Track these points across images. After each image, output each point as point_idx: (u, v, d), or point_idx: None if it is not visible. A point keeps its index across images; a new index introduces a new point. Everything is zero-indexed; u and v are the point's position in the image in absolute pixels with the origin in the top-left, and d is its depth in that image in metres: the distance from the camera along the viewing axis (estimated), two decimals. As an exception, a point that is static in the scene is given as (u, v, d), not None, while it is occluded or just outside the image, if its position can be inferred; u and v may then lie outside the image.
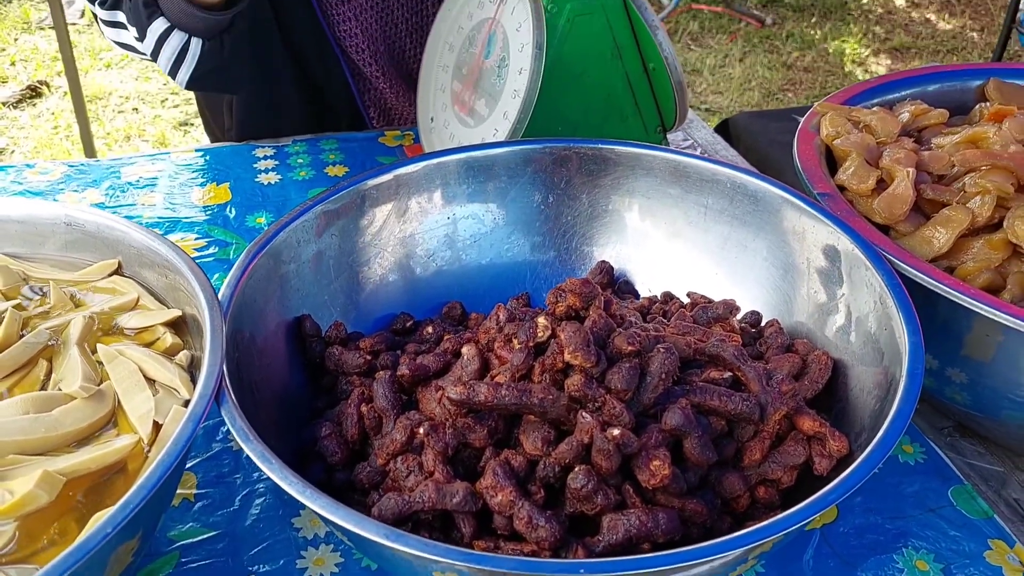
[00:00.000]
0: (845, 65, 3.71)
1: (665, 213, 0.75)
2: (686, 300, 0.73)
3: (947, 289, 0.57)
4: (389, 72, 1.16)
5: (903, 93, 0.88)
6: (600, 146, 0.75)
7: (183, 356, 0.56)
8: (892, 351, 0.55)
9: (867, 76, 3.64)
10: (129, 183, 1.00)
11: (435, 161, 0.73)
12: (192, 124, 3.00)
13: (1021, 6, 2.56)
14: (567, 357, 0.50)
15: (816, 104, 0.79)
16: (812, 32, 3.97)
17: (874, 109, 0.81)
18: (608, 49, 0.92)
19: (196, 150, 1.07)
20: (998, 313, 0.55)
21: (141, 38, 0.97)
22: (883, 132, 0.75)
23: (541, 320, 0.55)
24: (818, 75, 3.62)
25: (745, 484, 0.53)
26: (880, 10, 4.23)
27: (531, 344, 0.54)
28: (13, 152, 2.82)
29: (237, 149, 1.07)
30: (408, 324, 0.70)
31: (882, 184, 0.70)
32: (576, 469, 0.48)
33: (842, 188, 0.71)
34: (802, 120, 0.79)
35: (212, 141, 1.29)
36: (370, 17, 1.12)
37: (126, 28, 0.99)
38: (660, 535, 0.47)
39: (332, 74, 1.13)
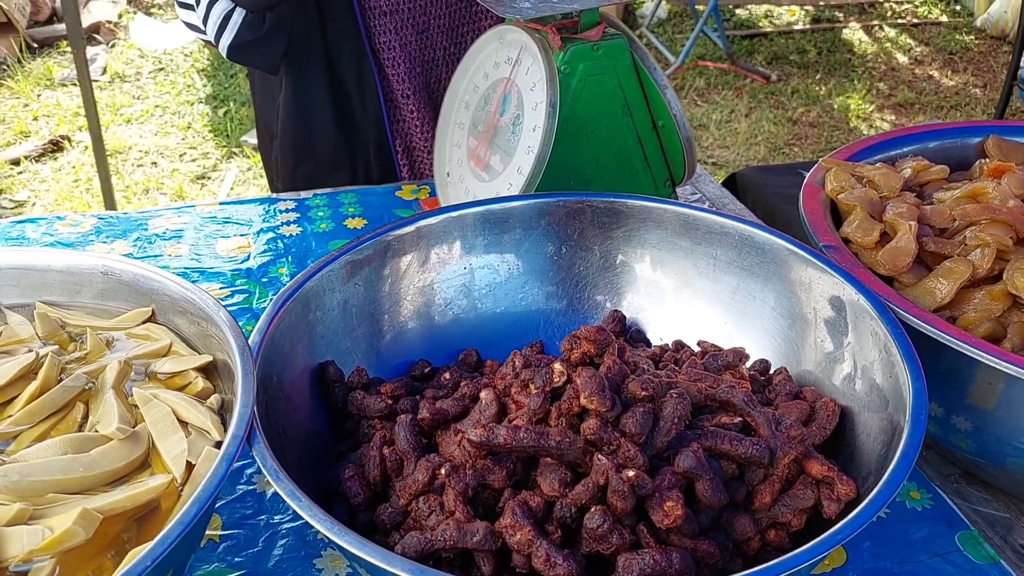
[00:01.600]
0: (850, 120, 3.77)
1: (675, 264, 0.78)
2: (697, 348, 0.75)
3: (950, 339, 0.59)
4: (420, 96, 1.19)
5: (905, 149, 0.91)
6: (612, 200, 0.78)
7: (214, 399, 0.58)
8: (896, 398, 0.57)
9: (872, 131, 3.70)
10: (156, 235, 1.03)
11: (455, 214, 0.76)
12: (209, 177, 3.07)
13: (1022, 63, 2.61)
14: (583, 401, 0.52)
15: (821, 160, 0.82)
16: (817, 88, 4.04)
17: (877, 165, 0.84)
18: (619, 107, 0.96)
19: (220, 203, 1.11)
20: (999, 362, 0.57)
21: (196, 5, 1.07)
22: (886, 187, 0.78)
23: (557, 366, 0.57)
24: (823, 130, 3.68)
25: (756, 526, 0.54)
26: (884, 67, 4.31)
27: (548, 389, 0.56)
28: (35, 204, 2.89)
29: (260, 202, 1.11)
30: (426, 370, 0.73)
31: (885, 237, 0.72)
32: (592, 509, 0.50)
33: (847, 241, 0.73)
34: (808, 175, 0.82)
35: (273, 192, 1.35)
36: (410, 34, 1.16)
37: (192, 8, 1.08)
38: (674, 574, 0.48)
39: (365, 85, 1.17)
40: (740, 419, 0.57)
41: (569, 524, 0.51)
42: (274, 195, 1.14)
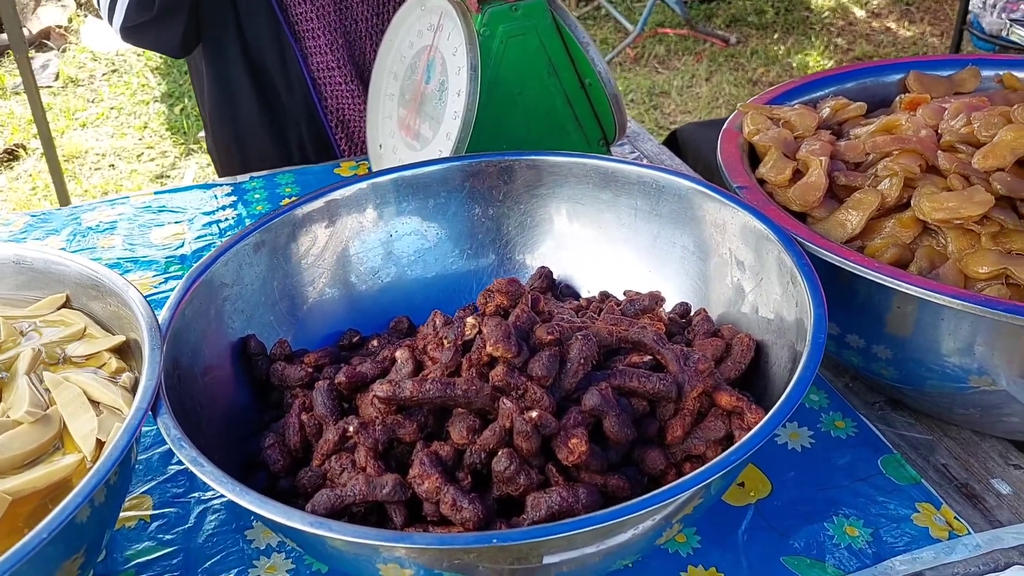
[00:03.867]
0: (809, 77, 3.78)
1: (598, 217, 0.78)
2: (623, 298, 0.75)
3: (854, 266, 0.60)
4: (346, 68, 1.17)
5: (828, 90, 0.92)
6: (533, 157, 0.78)
7: (126, 378, 0.58)
8: (802, 327, 0.58)
9: (831, 87, 3.71)
10: (89, 228, 1.03)
11: (368, 183, 0.76)
12: (168, 176, 3.04)
13: (971, 7, 2.62)
14: (489, 349, 0.53)
15: (740, 105, 0.83)
16: (776, 48, 4.05)
17: (795, 106, 0.84)
18: (543, 68, 0.96)
19: (155, 192, 1.10)
20: (901, 284, 0.58)
21: None
22: (801, 127, 0.79)
23: (470, 320, 0.57)
24: (783, 89, 3.68)
25: (667, 459, 0.55)
26: (841, 22, 4.32)
27: (460, 342, 0.57)
28: (-7, 215, 2.86)
29: (197, 188, 1.10)
30: (355, 340, 0.73)
31: (799, 175, 0.73)
32: (500, 452, 0.50)
33: (762, 182, 0.74)
34: (728, 120, 0.83)
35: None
36: (327, 5, 1.14)
37: None
38: (581, 510, 0.49)
39: (286, 61, 1.15)
40: (650, 357, 0.58)
41: (480, 470, 0.52)
42: (211, 181, 1.13)
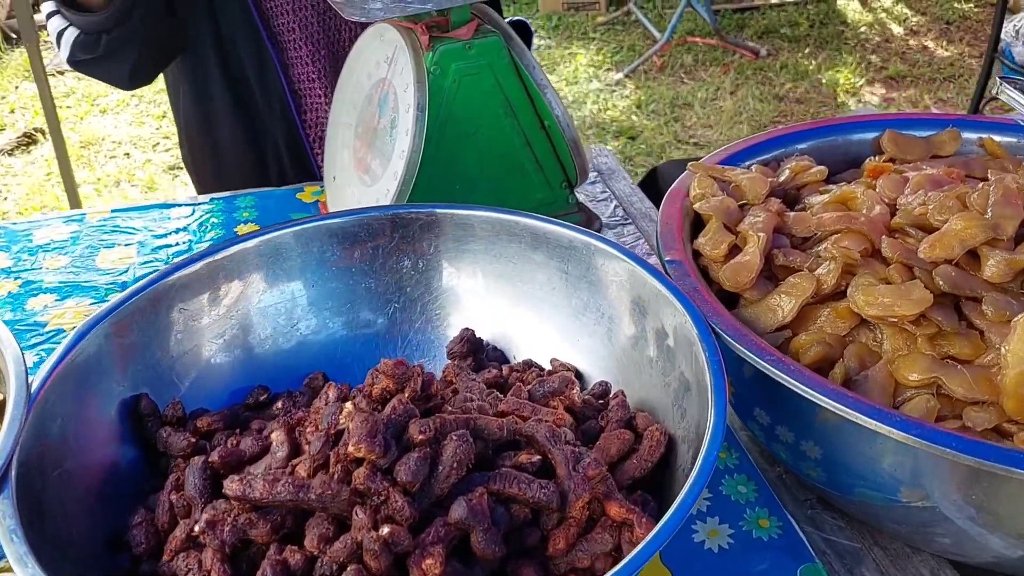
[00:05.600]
0: (838, 95, 3.69)
1: (530, 278, 0.74)
2: (548, 367, 0.72)
3: (768, 368, 0.56)
4: (328, 81, 1.14)
5: (799, 146, 0.87)
6: (466, 212, 0.75)
7: (-9, 444, 0.55)
8: (704, 433, 0.54)
9: (860, 106, 3.62)
10: (39, 246, 1.01)
11: (290, 231, 0.72)
12: (181, 167, 3.04)
13: (1003, 35, 2.53)
14: (351, 449, 0.49)
15: (690, 164, 0.78)
16: (806, 62, 3.96)
17: (751, 167, 0.79)
18: (500, 107, 0.92)
19: (112, 211, 1.08)
20: (813, 394, 0.54)
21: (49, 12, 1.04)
22: (751, 193, 0.74)
23: (347, 406, 0.54)
24: (810, 106, 3.60)
25: (544, 574, 0.51)
26: (877, 39, 4.21)
27: (332, 431, 0.53)
28: (6, 199, 2.88)
29: (155, 208, 1.08)
30: (262, 398, 0.70)
31: (737, 250, 0.68)
32: (349, 569, 0.47)
33: (699, 255, 0.70)
34: (677, 180, 0.78)
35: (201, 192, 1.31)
36: (310, 15, 1.11)
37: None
38: (430, 636, 0.45)
39: (265, 72, 1.12)
40: (539, 457, 0.54)
41: (332, 581, 0.49)
42: (170, 201, 1.11)
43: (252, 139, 1.19)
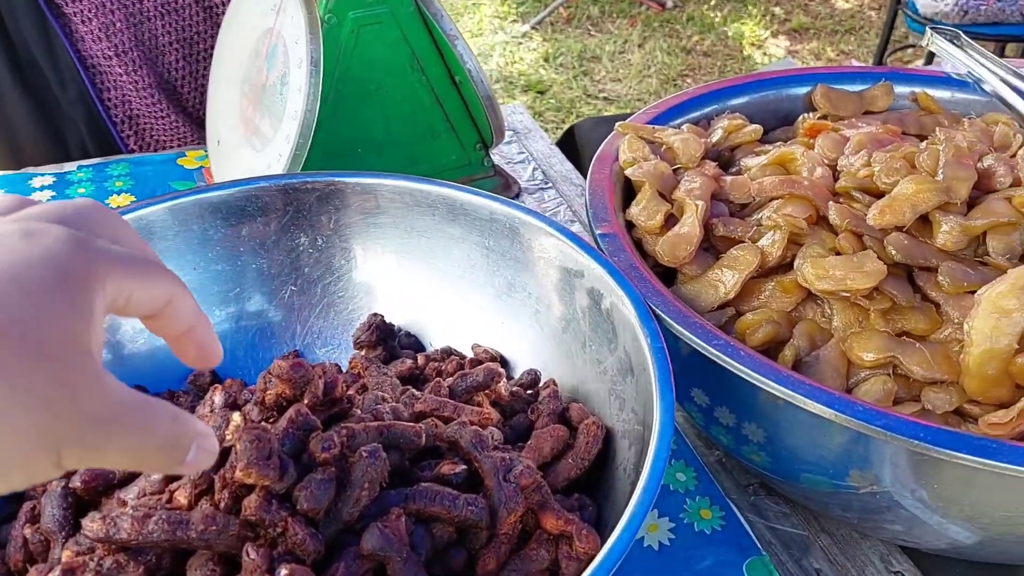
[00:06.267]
0: (744, 48, 3.69)
1: (447, 255, 0.66)
2: (470, 354, 0.65)
3: (713, 353, 0.50)
4: (129, 55, 1.00)
5: (728, 103, 0.81)
6: (371, 180, 0.66)
7: None
8: (648, 428, 0.48)
9: (765, 59, 3.63)
10: None
11: (164, 206, 0.63)
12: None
13: (905, -13, 2.55)
14: (239, 474, 0.41)
15: (618, 125, 0.72)
16: (712, 15, 3.94)
17: (683, 128, 0.73)
18: (406, 61, 0.83)
19: (-38, 182, 0.95)
20: (763, 380, 0.48)
21: None
22: (685, 155, 0.68)
23: (235, 417, 0.46)
24: (717, 59, 3.59)
25: (475, 601, 0.45)
26: (780, -10, 4.22)
27: (219, 447, 0.45)
28: None
29: (11, 179, 0.95)
30: (141, 399, 0.60)
31: (673, 220, 0.62)
32: (241, 617, 0.39)
33: (632, 226, 0.63)
34: (604, 143, 0.71)
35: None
36: None
37: None
38: None
39: (54, 50, 0.97)
40: (464, 467, 0.47)
41: (223, 630, 0.41)
42: (31, 169, 0.98)
43: (49, 124, 1.04)
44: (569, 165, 1.02)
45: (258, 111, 0.84)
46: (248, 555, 0.40)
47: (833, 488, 0.55)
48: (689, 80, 3.41)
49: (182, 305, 0.36)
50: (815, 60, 3.57)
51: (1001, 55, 2.52)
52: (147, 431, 0.31)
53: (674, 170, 0.67)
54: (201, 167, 0.99)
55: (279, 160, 0.79)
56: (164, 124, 1.05)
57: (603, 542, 0.46)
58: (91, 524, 0.40)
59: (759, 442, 0.57)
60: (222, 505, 0.42)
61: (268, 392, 0.48)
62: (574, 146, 1.16)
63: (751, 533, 0.59)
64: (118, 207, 0.91)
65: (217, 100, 0.91)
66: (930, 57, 2.88)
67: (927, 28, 0.90)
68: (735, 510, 0.61)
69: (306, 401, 0.48)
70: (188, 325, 0.37)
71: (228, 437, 0.45)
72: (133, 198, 0.93)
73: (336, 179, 0.66)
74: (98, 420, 0.30)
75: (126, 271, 0.33)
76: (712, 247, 0.62)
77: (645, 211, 0.62)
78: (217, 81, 0.90)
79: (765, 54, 3.67)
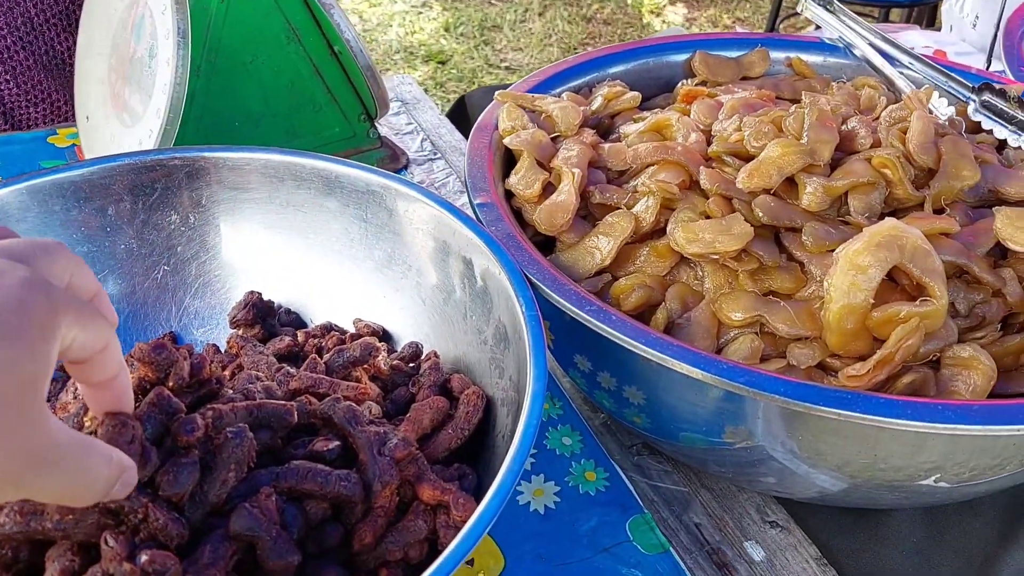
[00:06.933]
0: (643, 16, 3.73)
1: (325, 229, 0.65)
2: (352, 330, 0.64)
3: (588, 319, 0.51)
4: (9, 53, 0.95)
5: (608, 71, 0.82)
6: (240, 154, 0.64)
7: None
8: (523, 395, 0.48)
9: (664, 27, 3.68)
10: None
11: (19, 186, 0.59)
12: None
13: (793, -44, 2.60)
14: (96, 462, 0.39)
15: (497, 93, 0.71)
16: (612, -17, 3.96)
17: (562, 96, 0.74)
18: (281, 32, 0.81)
19: None
20: (635, 344, 0.49)
21: None
22: (564, 123, 0.68)
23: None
24: (617, 27, 3.62)
25: (352, 574, 0.45)
26: (678, -42, 4.27)
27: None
28: None
29: None
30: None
31: (552, 188, 0.62)
32: (103, 608, 0.38)
33: (511, 195, 0.63)
34: (484, 112, 0.71)
35: None
36: None
37: None
38: None
39: None
40: (338, 443, 0.47)
41: (85, 622, 0.40)
42: None
43: None
44: (459, 135, 1.01)
45: (127, 85, 0.80)
46: (107, 543, 0.38)
47: (710, 445, 0.57)
48: (590, 48, 3.43)
49: (114, 353, 0.37)
50: (712, 27, 3.64)
51: (885, 20, 2.61)
52: (84, 473, 0.33)
53: (553, 138, 0.67)
54: (73, 145, 0.94)
55: (150, 136, 0.76)
56: (43, 107, 1.00)
57: (480, 509, 0.46)
58: (-66, 519, 0.38)
59: (639, 404, 0.58)
60: (79, 495, 0.41)
61: (131, 376, 0.46)
62: (466, 116, 1.15)
63: (634, 492, 0.61)
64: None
65: (86, 73, 0.86)
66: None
67: (801, -6, 0.92)
68: (619, 471, 0.62)
69: (171, 384, 0.46)
70: (113, 373, 0.38)
71: (87, 424, 0.43)
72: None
73: (204, 154, 0.64)
74: (41, 463, 0.31)
75: (78, 319, 0.33)
76: (590, 215, 0.62)
77: (523, 180, 0.62)
78: (85, 54, 0.86)
79: (664, 22, 3.71)
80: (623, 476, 0.62)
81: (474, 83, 3.11)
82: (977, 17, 1.20)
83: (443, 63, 3.25)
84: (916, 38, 1.24)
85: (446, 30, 3.45)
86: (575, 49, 3.40)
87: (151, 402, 0.43)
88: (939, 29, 1.38)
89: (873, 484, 0.53)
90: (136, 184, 0.63)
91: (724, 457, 0.57)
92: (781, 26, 2.98)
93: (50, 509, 0.39)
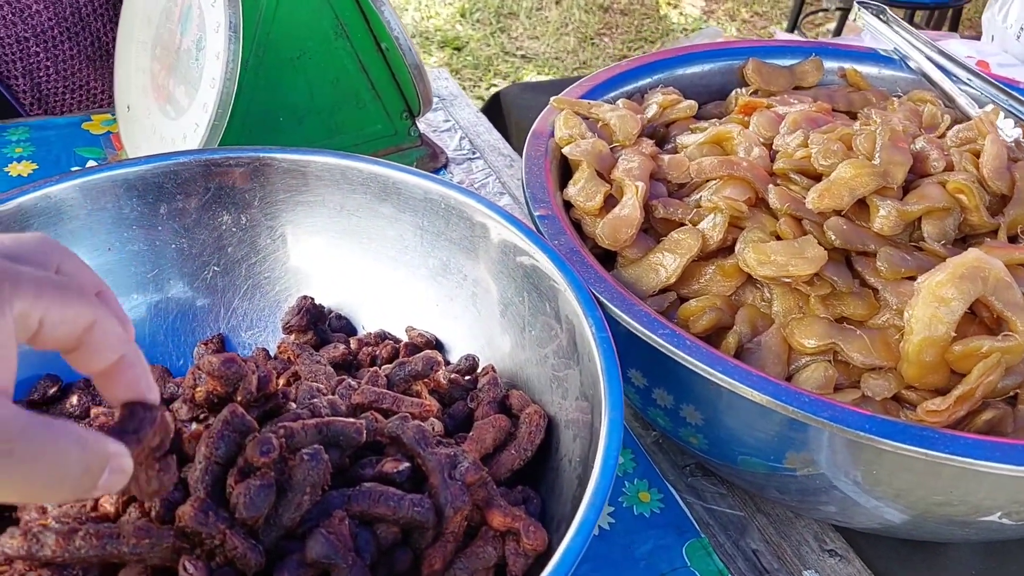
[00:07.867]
0: (660, 7, 3.70)
1: (379, 235, 0.64)
2: (404, 338, 0.63)
3: (657, 341, 0.50)
4: (55, 43, 0.93)
5: (658, 77, 0.80)
6: (298, 156, 0.63)
7: None
8: (598, 419, 0.47)
9: (681, 19, 3.65)
10: None
11: (74, 183, 0.58)
12: None
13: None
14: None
15: (553, 99, 0.70)
16: (629, -27, 3.92)
17: (619, 103, 0.72)
18: (330, 27, 0.79)
19: None
20: (707, 369, 0.48)
21: None
22: (622, 133, 0.67)
23: (167, 417, 0.43)
24: (635, 18, 3.59)
25: (421, 603, 0.44)
26: (696, -50, 4.23)
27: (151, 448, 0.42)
28: None
29: None
30: (51, 391, 0.57)
31: (613, 200, 0.61)
32: (177, 638, 0.37)
33: (571, 206, 0.62)
34: (539, 118, 0.70)
35: None
36: None
37: None
38: None
39: None
40: (407, 465, 0.46)
41: (158, 649, 0.39)
42: (-85, 134, 0.90)
43: None
44: (497, 134, 1.00)
45: (172, 76, 0.78)
46: (185, 569, 0.37)
47: (770, 471, 0.55)
48: (607, 39, 3.41)
49: (106, 331, 0.33)
50: (730, 20, 3.61)
51: (910, 23, 2.59)
52: (50, 459, 0.29)
53: (610, 148, 0.66)
54: (108, 132, 0.93)
55: (196, 130, 0.75)
56: (80, 94, 0.98)
57: (549, 535, 0.46)
58: (10, 541, 0.37)
59: (697, 425, 0.57)
60: (153, 514, 0.40)
61: (198, 389, 0.45)
62: (499, 112, 1.13)
63: (690, 515, 0.60)
64: (18, 175, 0.85)
65: (126, 63, 0.85)
66: (842, 21, 2.95)
67: (855, 3, 0.91)
68: (673, 492, 0.61)
69: (239, 398, 0.45)
70: (113, 356, 0.33)
71: (154, 442, 0.42)
72: (36, 166, 0.86)
73: (262, 155, 0.62)
74: None
75: (39, 292, 0.30)
76: (651, 228, 0.61)
77: (584, 192, 0.61)
78: (127, 42, 0.85)
79: (681, 13, 3.68)
80: (678, 498, 0.61)
81: (490, 71, 3.09)
82: (1022, 28, 1.18)
83: (459, 49, 3.22)
84: (957, 47, 1.23)
85: (462, 16, 3.42)
86: (591, 39, 3.37)
87: (225, 420, 0.42)
88: (977, 37, 1.36)
89: (941, 519, 0.52)
90: (190, 183, 0.62)
91: (785, 484, 0.56)
92: (803, 22, 2.95)
93: (126, 532, 0.38)
